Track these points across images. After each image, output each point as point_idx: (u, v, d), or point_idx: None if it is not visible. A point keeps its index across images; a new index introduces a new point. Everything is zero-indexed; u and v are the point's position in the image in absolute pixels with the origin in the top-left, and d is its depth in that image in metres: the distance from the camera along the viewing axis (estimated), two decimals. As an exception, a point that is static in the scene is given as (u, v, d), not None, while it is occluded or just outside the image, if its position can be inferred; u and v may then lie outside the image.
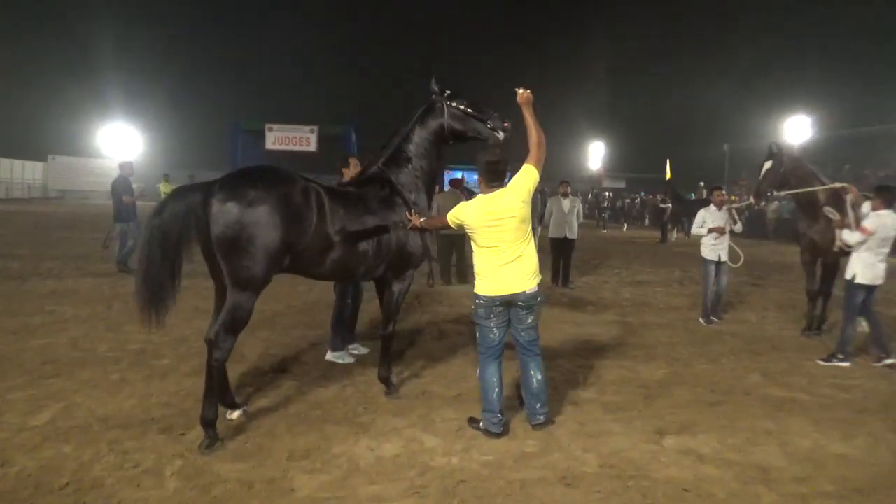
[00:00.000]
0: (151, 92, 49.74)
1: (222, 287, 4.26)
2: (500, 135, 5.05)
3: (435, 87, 5.19)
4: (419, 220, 4.78)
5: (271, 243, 4.07)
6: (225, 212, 3.97)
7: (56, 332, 6.70)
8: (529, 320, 4.38)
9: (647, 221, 35.15)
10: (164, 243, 3.95)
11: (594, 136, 51.27)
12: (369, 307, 7.38)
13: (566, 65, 66.77)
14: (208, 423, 4.13)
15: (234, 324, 4.12)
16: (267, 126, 31.49)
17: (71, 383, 5.17)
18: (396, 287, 5.09)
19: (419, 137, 5.17)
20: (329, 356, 6.15)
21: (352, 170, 6.28)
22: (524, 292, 4.25)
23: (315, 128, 31.79)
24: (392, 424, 4.53)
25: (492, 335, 4.31)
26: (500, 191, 4.21)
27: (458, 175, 13.44)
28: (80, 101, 48.62)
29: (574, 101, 55.06)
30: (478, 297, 4.29)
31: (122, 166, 12.50)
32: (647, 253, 18.48)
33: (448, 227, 4.50)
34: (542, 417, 4.46)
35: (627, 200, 36.43)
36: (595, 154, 51.39)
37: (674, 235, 24.02)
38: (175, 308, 4.16)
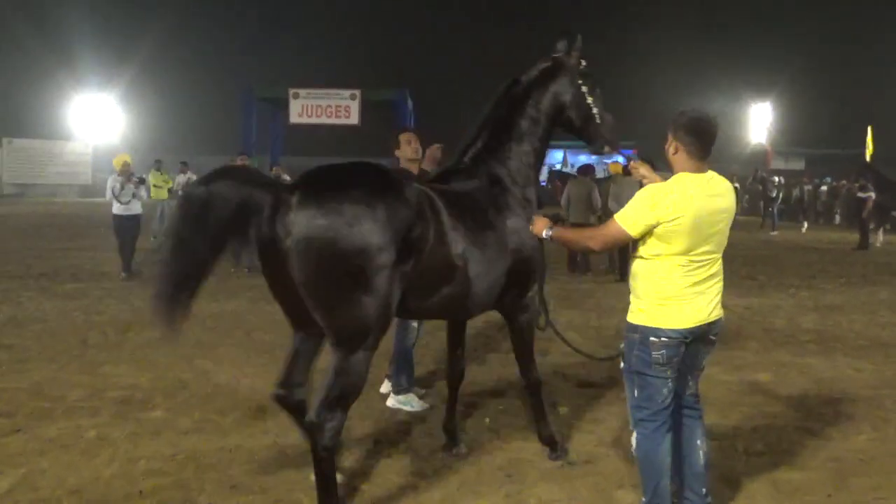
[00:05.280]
0: (134, 53, 51.91)
1: (303, 325, 4.26)
2: (605, 150, 5.41)
3: (574, 52, 5.30)
4: (545, 227, 4.58)
5: (387, 277, 4.00)
6: (314, 232, 3.84)
7: (15, 375, 7.07)
8: (704, 362, 4.32)
9: (837, 218, 34.03)
10: (201, 224, 3.77)
11: (757, 95, 50.12)
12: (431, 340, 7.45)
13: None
14: None
15: (343, 396, 4.06)
16: (291, 92, 32.31)
17: (34, 443, 5.42)
18: (523, 318, 5.12)
19: (536, 107, 5.23)
20: (392, 402, 6.32)
21: (405, 150, 6.35)
22: (720, 320, 4.18)
23: (357, 93, 32.42)
24: (467, 506, 4.56)
25: (665, 390, 4.10)
26: (711, 172, 4.09)
27: (587, 159, 13.83)
28: (43, 67, 51.23)
29: (727, 44, 54.06)
30: (659, 332, 4.01)
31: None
32: (839, 264, 17.95)
33: (613, 242, 4.30)
34: None
35: (808, 188, 35.36)
36: (759, 122, 50.21)
37: (880, 238, 23.24)
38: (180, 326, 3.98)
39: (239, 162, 14.71)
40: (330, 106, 32.31)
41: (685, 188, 3.93)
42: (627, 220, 4.01)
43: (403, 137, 6.43)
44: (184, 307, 3.87)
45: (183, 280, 3.84)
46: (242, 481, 4.82)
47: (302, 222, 3.84)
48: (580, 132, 5.42)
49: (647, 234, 4.00)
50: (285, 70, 50.81)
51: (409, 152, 6.28)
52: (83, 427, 5.74)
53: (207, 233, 3.77)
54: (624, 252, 12.33)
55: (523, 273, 4.94)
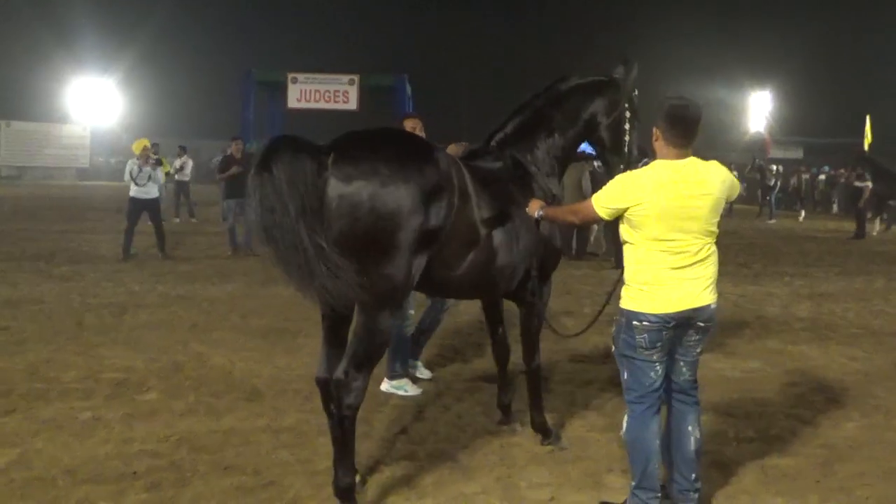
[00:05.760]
0: (133, 37, 51.73)
1: (333, 307, 4.28)
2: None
3: (628, 83, 5.39)
4: (538, 208, 4.70)
5: (417, 237, 4.11)
6: (352, 194, 3.95)
7: (10, 356, 7.09)
8: (699, 349, 4.30)
9: (834, 207, 34.10)
10: (280, 202, 3.79)
11: (757, 84, 50.04)
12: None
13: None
14: (344, 494, 4.23)
15: (370, 354, 4.17)
16: (290, 76, 32.24)
17: (29, 423, 5.45)
18: (537, 303, 5.19)
19: (576, 110, 5.33)
20: (385, 386, 6.37)
21: None
22: (709, 306, 4.14)
23: (355, 78, 32.37)
24: (457, 489, 4.60)
25: (653, 373, 4.15)
26: (692, 158, 4.07)
27: (584, 146, 13.95)
28: (42, 50, 51.03)
29: (727, 31, 53.89)
30: (640, 316, 4.06)
31: None
32: (835, 253, 17.99)
33: (587, 219, 4.50)
34: (696, 495, 4.33)
35: (806, 177, 35.38)
36: (758, 110, 50.17)
37: (876, 227, 23.24)
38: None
39: (233, 147, 14.76)
40: (328, 91, 32.27)
41: (658, 176, 3.98)
42: (599, 201, 4.13)
43: (408, 123, 6.47)
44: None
45: (301, 257, 3.85)
46: (236, 463, 4.86)
47: (337, 181, 3.94)
48: (604, 154, 5.54)
49: (622, 219, 4.09)
50: (285, 54, 50.69)
51: None
52: (78, 408, 5.77)
53: (287, 209, 3.80)
54: (619, 240, 12.60)
55: (545, 256, 5.06)
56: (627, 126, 5.38)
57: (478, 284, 4.78)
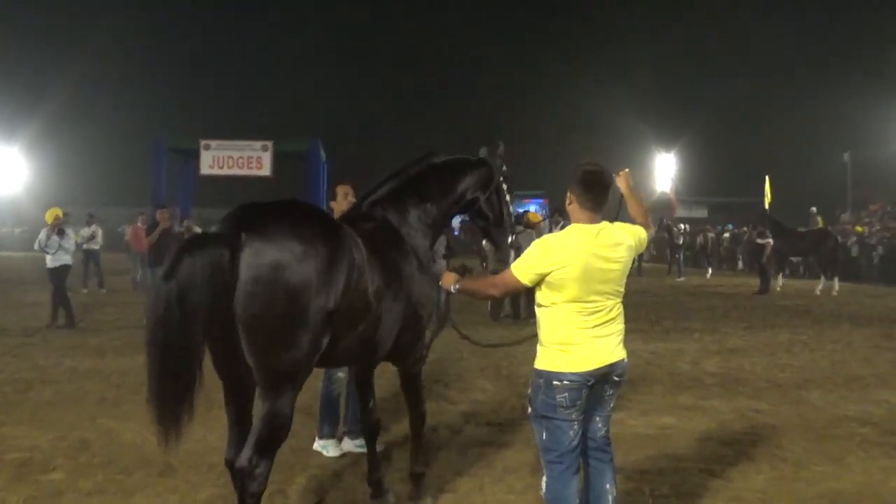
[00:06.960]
0: (38, 103, 50.68)
1: (239, 386, 4.22)
2: (511, 257, 5.36)
3: (497, 160, 5.58)
4: (453, 281, 4.65)
5: (323, 315, 4.07)
6: (268, 272, 3.89)
7: None
8: (612, 403, 4.39)
9: (740, 264, 35.26)
10: (184, 319, 3.72)
11: (662, 147, 51.75)
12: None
13: (618, 49, 67.89)
14: None
15: (273, 438, 4.07)
16: (202, 143, 31.91)
17: (-76, 510, 5.19)
18: (414, 365, 5.21)
19: (450, 181, 5.45)
20: (316, 445, 6.49)
21: (341, 203, 6.39)
22: (622, 360, 4.26)
23: (269, 144, 32.18)
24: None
25: (572, 432, 4.16)
26: (604, 223, 4.20)
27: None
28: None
29: (633, 98, 55.81)
30: (560, 376, 4.09)
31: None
32: (741, 308, 18.52)
33: (508, 289, 4.44)
34: None
35: (711, 235, 36.55)
36: (664, 172, 51.76)
37: (779, 282, 24.00)
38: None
39: (159, 216, 14.62)
40: (241, 157, 31.93)
41: (575, 239, 4.08)
42: (520, 269, 4.16)
43: (341, 190, 6.52)
44: (190, 405, 3.89)
45: (184, 378, 3.86)
46: (146, 542, 4.70)
47: (251, 259, 3.88)
48: (487, 229, 5.68)
49: (541, 282, 4.12)
50: (196, 120, 50.40)
51: (345, 205, 6.32)
52: (-22, 492, 5.51)
53: (194, 320, 3.73)
54: (516, 295, 13.37)
55: (416, 319, 5.03)
56: (508, 198, 5.57)
57: (359, 352, 4.74)
